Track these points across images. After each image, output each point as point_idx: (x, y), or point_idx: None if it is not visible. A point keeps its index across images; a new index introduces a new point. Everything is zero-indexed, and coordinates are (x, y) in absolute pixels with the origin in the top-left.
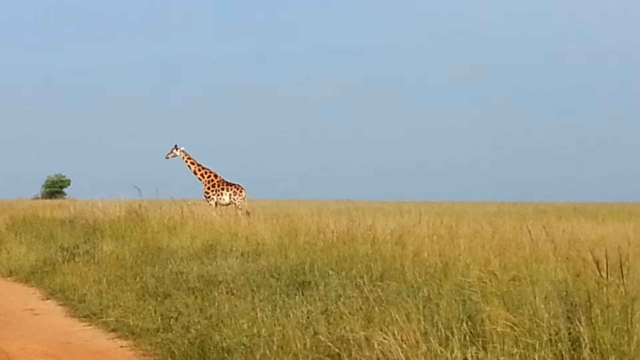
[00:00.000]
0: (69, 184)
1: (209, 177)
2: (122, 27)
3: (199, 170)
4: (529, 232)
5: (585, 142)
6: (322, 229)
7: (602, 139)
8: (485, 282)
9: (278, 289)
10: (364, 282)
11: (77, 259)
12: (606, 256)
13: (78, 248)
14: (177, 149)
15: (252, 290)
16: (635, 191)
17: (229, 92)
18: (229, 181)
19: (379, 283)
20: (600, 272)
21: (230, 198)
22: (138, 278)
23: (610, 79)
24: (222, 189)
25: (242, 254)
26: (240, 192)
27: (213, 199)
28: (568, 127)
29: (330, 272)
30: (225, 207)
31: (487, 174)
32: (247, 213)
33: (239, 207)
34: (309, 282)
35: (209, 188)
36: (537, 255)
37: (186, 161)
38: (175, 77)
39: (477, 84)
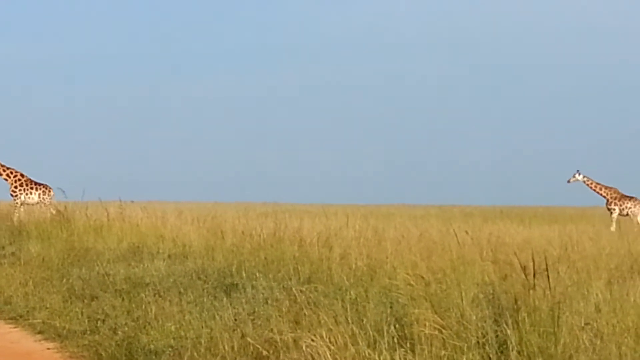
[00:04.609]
0: None
1: (15, 176)
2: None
3: (4, 171)
4: (456, 235)
5: (511, 145)
6: (249, 231)
7: (527, 143)
8: (413, 285)
9: (205, 291)
10: (291, 285)
11: (2, 261)
12: (532, 259)
13: (3, 249)
14: None
15: (180, 293)
16: (560, 195)
17: (150, 90)
18: (36, 181)
19: (307, 285)
20: (526, 275)
21: (39, 197)
22: (64, 280)
23: (538, 85)
24: (31, 188)
25: (169, 256)
26: (49, 191)
27: (20, 197)
28: (493, 130)
29: (257, 274)
30: (32, 206)
31: (413, 177)
32: (58, 211)
33: (47, 205)
34: (237, 285)
35: (16, 187)
36: (463, 258)
37: None
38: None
39: (399, 87)
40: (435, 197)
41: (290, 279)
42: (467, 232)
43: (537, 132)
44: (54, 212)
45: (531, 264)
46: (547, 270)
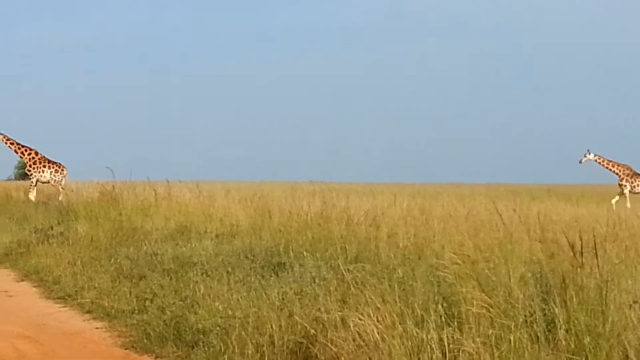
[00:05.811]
0: None
1: (29, 154)
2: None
3: (19, 149)
4: (500, 215)
5: (557, 124)
6: (296, 211)
7: (574, 122)
8: (460, 264)
9: (253, 271)
10: (339, 264)
11: (51, 241)
12: (580, 238)
13: (52, 229)
14: None
15: (227, 272)
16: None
17: (206, 79)
18: (50, 159)
19: (354, 264)
20: (574, 253)
21: (50, 175)
22: (112, 259)
23: (585, 67)
24: (44, 166)
25: (216, 236)
26: (62, 170)
27: (35, 175)
28: (539, 109)
29: (305, 253)
30: (44, 184)
31: (460, 156)
32: (71, 190)
33: (59, 184)
34: (284, 264)
35: (30, 165)
36: (511, 236)
37: (6, 142)
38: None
39: (445, 66)
40: (481, 175)
41: (338, 258)
42: (514, 210)
43: (584, 111)
44: (60, 190)
45: (579, 242)
46: (595, 248)
